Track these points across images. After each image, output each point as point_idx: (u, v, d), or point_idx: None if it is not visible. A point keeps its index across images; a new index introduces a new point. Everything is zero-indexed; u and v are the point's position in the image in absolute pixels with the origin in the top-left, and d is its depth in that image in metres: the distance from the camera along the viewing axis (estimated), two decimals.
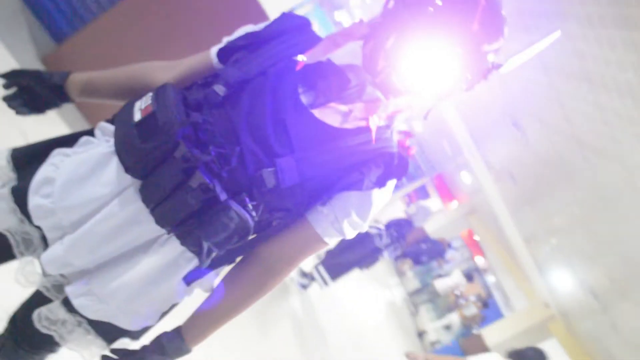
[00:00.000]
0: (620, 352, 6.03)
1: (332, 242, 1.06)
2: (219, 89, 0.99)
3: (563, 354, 7.30)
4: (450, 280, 10.58)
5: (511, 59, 0.94)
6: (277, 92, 0.99)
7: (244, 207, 0.96)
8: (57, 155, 1.03)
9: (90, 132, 1.10)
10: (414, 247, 10.18)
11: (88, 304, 0.99)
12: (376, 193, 1.03)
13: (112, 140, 1.01)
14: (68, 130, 2.34)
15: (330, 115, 1.00)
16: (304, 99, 1.00)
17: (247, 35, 1.06)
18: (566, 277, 6.64)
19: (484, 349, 7.75)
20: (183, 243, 0.95)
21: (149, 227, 0.95)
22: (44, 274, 1.03)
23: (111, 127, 1.05)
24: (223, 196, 0.93)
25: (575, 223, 5.23)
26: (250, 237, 1.00)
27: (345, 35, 0.99)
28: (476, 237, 11.24)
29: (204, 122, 0.95)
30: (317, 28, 1.07)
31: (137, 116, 0.94)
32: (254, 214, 0.98)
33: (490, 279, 11.12)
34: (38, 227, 1.00)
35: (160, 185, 0.92)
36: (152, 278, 0.98)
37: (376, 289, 8.42)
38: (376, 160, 1.01)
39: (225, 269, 1.12)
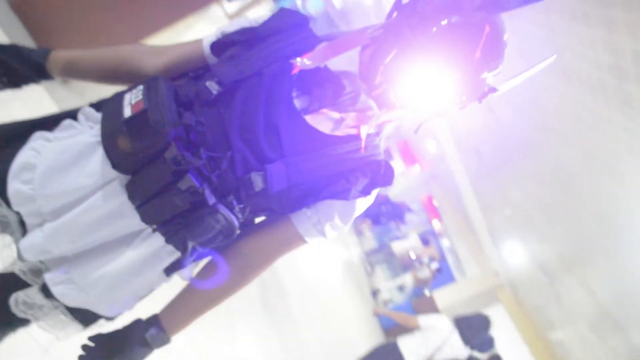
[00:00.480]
0: (560, 321, 6.47)
1: (312, 241, 1.07)
2: (212, 86, 0.96)
3: (508, 319, 7.71)
4: (407, 243, 10.85)
5: (506, 82, 0.95)
6: (271, 94, 0.98)
7: (231, 210, 0.96)
8: (38, 139, 1.00)
9: (72, 114, 1.06)
10: (374, 208, 10.31)
11: (68, 292, 0.98)
12: (360, 201, 1.04)
13: (96, 127, 0.98)
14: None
15: (322, 121, 1.00)
16: (298, 104, 0.99)
17: (244, 31, 1.03)
18: (518, 249, 6.96)
19: (434, 310, 8.09)
20: (168, 241, 0.95)
21: (133, 221, 0.94)
22: (21, 259, 1.01)
23: (96, 114, 1.02)
24: (211, 200, 0.92)
25: (532, 200, 5.44)
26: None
27: (345, 43, 0.97)
28: (435, 203, 11.47)
29: (196, 123, 0.93)
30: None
31: (127, 112, 0.91)
32: (240, 216, 0.98)
33: (445, 243, 11.44)
34: (17, 211, 0.98)
35: (148, 184, 0.90)
36: (134, 270, 0.98)
37: (335, 247, 8.58)
38: (364, 169, 1.01)
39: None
